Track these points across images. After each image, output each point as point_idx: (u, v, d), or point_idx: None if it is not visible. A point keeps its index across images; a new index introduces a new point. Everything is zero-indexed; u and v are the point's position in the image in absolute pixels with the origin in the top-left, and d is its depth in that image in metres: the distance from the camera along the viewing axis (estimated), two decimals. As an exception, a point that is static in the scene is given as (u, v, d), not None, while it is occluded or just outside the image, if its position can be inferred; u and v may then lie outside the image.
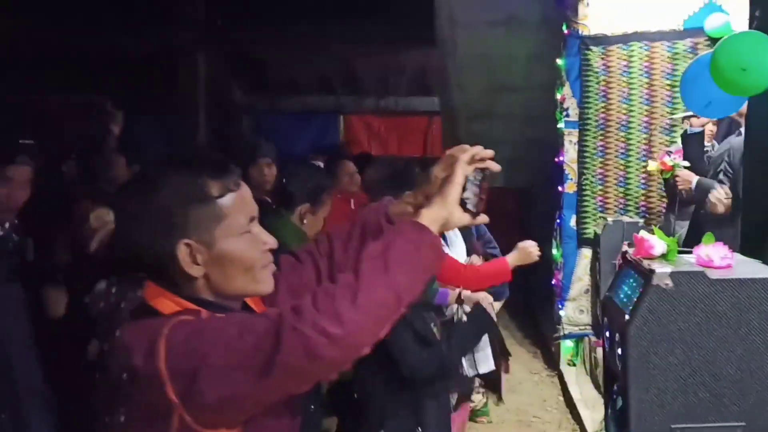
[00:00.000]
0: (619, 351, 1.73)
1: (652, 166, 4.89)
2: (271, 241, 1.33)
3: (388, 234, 1.33)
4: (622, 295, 1.79)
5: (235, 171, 1.31)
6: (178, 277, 1.26)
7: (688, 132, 4.68)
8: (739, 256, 1.73)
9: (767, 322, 1.62)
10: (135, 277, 1.28)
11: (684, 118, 4.88)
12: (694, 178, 4.30)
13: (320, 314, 1.16)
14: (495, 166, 1.46)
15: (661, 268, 1.65)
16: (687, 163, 4.47)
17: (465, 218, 1.40)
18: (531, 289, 7.01)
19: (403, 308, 1.26)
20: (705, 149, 4.63)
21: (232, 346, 1.16)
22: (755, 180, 2.13)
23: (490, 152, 1.44)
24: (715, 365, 1.62)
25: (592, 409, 5.12)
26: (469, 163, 1.39)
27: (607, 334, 1.89)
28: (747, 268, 1.72)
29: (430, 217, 1.35)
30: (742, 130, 4.06)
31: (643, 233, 1.79)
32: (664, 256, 1.76)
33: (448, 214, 1.36)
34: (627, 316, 1.67)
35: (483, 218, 1.43)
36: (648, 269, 1.66)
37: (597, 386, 5.41)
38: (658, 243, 1.75)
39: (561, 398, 5.63)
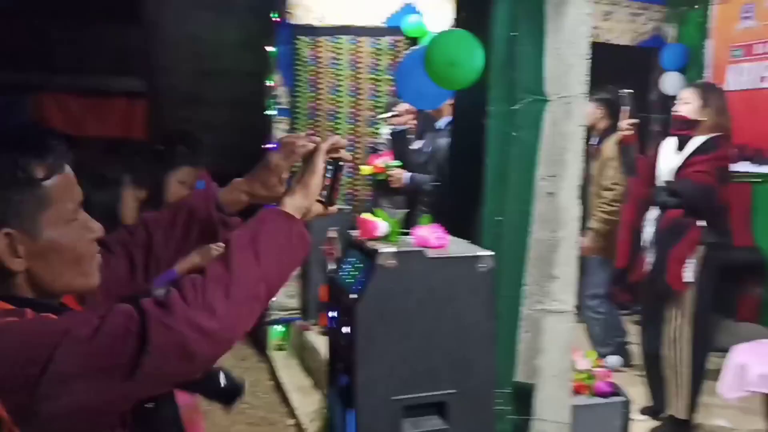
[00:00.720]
0: (345, 329, 1.78)
1: (366, 169, 5.19)
2: (99, 229, 1.18)
3: (254, 223, 1.25)
4: (346, 276, 1.84)
5: (62, 150, 1.12)
6: None
7: (395, 131, 5.04)
8: (451, 237, 1.87)
9: (474, 295, 1.77)
10: None
11: (388, 118, 5.22)
12: (406, 175, 4.71)
13: (192, 308, 1.06)
14: (347, 156, 1.48)
15: (385, 248, 1.72)
16: (398, 162, 4.84)
17: (320, 208, 1.40)
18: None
19: (272, 299, 1.22)
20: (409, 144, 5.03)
21: (82, 350, 1.00)
22: (460, 166, 2.33)
23: (345, 142, 1.46)
24: (431, 338, 1.74)
25: (302, 392, 5.24)
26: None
27: (333, 313, 1.94)
28: (458, 247, 1.87)
29: (294, 206, 1.32)
30: (437, 124, 4.49)
31: (366, 215, 1.86)
32: (386, 237, 1.84)
33: (310, 204, 1.35)
34: (353, 295, 1.72)
35: (335, 209, 1.44)
36: (372, 249, 1.73)
37: (306, 369, 5.56)
38: (381, 224, 1.83)
39: (271, 383, 5.69)
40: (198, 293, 1.09)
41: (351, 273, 1.84)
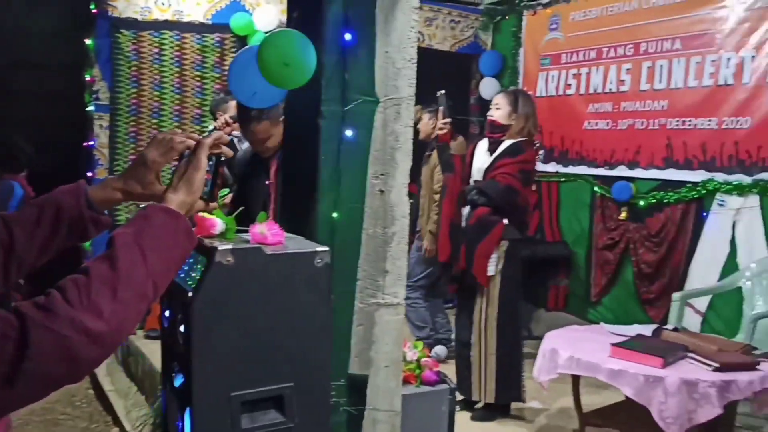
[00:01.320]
0: (182, 328, 1.76)
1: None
2: None
3: (138, 220, 1.22)
4: (182, 275, 1.82)
5: None
6: None
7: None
8: (287, 234, 1.90)
9: (311, 289, 1.81)
10: None
11: (211, 130, 5.16)
12: None
13: (77, 310, 1.01)
14: (228, 152, 1.50)
15: (223, 246, 1.72)
16: (226, 191, 4.83)
17: (201, 204, 1.40)
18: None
19: (157, 298, 1.18)
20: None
21: None
22: (294, 165, 2.36)
23: (227, 137, 1.47)
24: (269, 333, 1.75)
25: (125, 397, 5.06)
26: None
27: (167, 314, 1.90)
28: (294, 243, 1.90)
29: (177, 202, 1.30)
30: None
31: (203, 213, 1.85)
32: (223, 235, 1.84)
33: (194, 200, 1.34)
34: (190, 294, 1.70)
35: (215, 204, 1.48)
36: (210, 247, 1.72)
37: (130, 376, 5.36)
38: (218, 222, 1.83)
39: (91, 392, 5.43)
40: (82, 294, 1.04)
41: (187, 272, 1.82)
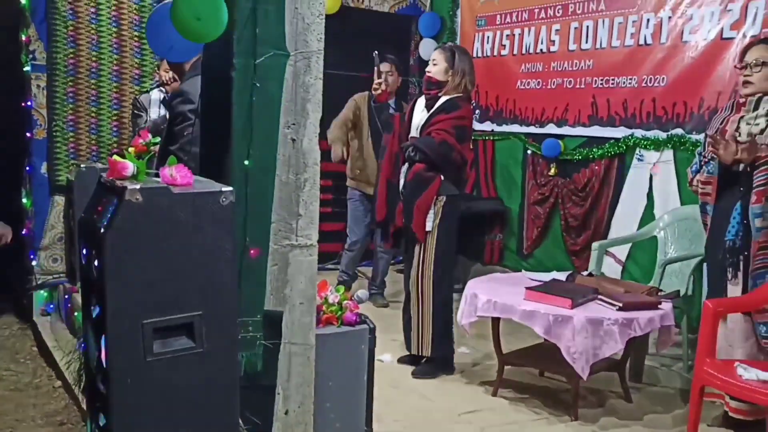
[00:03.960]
0: (96, 263, 1.91)
1: (131, 153, 5.19)
2: None
3: None
4: (95, 215, 1.96)
5: None
6: None
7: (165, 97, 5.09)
8: (197, 177, 2.06)
9: (217, 226, 1.98)
10: None
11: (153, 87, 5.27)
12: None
13: None
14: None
15: (132, 186, 1.87)
16: (157, 139, 4.90)
17: None
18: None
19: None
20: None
21: None
22: (210, 116, 2.50)
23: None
24: (179, 265, 1.92)
25: (67, 351, 5.16)
26: None
27: (84, 251, 2.05)
28: (202, 185, 2.05)
29: None
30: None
31: (116, 157, 1.99)
32: (135, 177, 1.98)
33: None
34: (102, 230, 1.85)
35: None
36: (120, 186, 1.87)
37: (73, 331, 5.46)
38: (129, 165, 1.97)
39: (35, 349, 5.52)
40: None
41: (100, 212, 1.96)
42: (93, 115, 5.77)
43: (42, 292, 5.88)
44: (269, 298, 2.50)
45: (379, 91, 4.78)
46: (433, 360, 4.51)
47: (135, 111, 5.55)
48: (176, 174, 1.98)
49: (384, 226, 4.95)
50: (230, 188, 2.01)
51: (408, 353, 4.60)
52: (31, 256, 5.77)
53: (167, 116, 4.70)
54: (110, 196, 1.95)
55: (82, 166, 5.72)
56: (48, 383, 4.89)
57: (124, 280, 1.87)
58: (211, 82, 2.53)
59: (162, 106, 5.25)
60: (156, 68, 5.77)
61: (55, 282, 5.84)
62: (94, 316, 2.00)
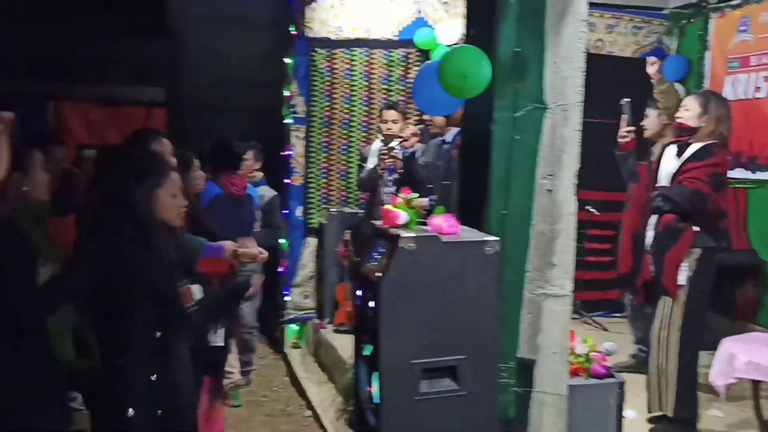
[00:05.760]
0: (371, 304, 2.06)
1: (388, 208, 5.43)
2: None
3: None
4: (372, 260, 2.13)
5: None
6: None
7: (405, 154, 5.30)
8: (462, 226, 2.16)
9: (482, 274, 2.06)
10: None
11: (398, 144, 5.52)
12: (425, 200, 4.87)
13: None
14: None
15: (406, 234, 2.01)
16: (416, 195, 5.07)
17: None
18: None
19: None
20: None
21: None
22: (470, 166, 2.62)
23: None
24: (444, 311, 2.02)
25: (318, 384, 5.53)
26: None
27: (359, 293, 2.22)
28: (468, 234, 2.15)
29: None
30: (445, 137, 4.77)
31: (388, 206, 2.15)
32: (406, 225, 2.13)
33: None
34: (378, 274, 2.00)
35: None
36: (395, 234, 2.02)
37: (321, 365, 5.84)
38: (402, 214, 2.12)
39: (287, 378, 5.96)
40: None
41: (375, 258, 2.13)
42: (343, 163, 6.21)
43: (293, 326, 6.36)
44: (522, 345, 2.53)
45: (627, 140, 4.65)
46: (678, 422, 4.23)
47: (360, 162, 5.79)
48: (444, 223, 2.10)
49: (629, 280, 4.76)
50: (496, 238, 2.09)
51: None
52: (285, 292, 6.25)
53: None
54: (383, 243, 2.11)
55: (332, 210, 6.18)
56: (299, 411, 5.25)
57: (396, 322, 2.00)
58: (471, 135, 2.65)
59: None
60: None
61: (305, 317, 6.30)
62: (366, 353, 2.16)
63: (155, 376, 2.14)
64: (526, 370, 2.52)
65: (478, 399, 2.08)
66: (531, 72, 2.48)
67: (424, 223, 2.16)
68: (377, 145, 5.43)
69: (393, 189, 5.19)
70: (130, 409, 2.10)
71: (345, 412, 3.83)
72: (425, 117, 5.17)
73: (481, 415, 2.10)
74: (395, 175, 5.22)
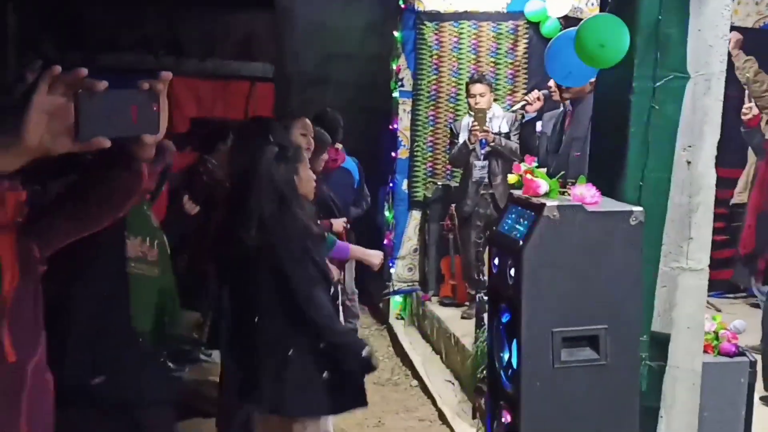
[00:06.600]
0: (511, 272, 2.08)
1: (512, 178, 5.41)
2: None
3: None
4: (508, 228, 2.14)
5: None
6: None
7: (525, 119, 5.24)
8: (603, 196, 2.14)
9: (626, 245, 2.04)
10: None
11: (521, 107, 5.43)
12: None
13: None
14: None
15: (550, 203, 2.01)
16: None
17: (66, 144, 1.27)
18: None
19: None
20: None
21: None
22: (605, 137, 2.58)
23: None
24: (588, 280, 2.02)
25: (422, 355, 5.60)
26: None
27: (496, 261, 2.24)
28: (609, 204, 2.13)
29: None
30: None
31: (529, 175, 2.15)
32: (547, 194, 2.12)
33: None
34: (521, 242, 2.01)
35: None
36: (539, 203, 2.02)
37: (425, 337, 5.91)
38: (543, 183, 2.12)
39: (391, 349, 6.06)
40: None
41: (514, 225, 2.13)
42: (449, 137, 6.20)
43: (397, 298, 6.45)
44: (656, 319, 2.49)
45: (749, 116, 4.49)
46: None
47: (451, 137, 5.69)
48: (586, 193, 2.09)
49: (750, 260, 4.62)
50: (640, 208, 2.07)
51: None
52: (390, 264, 6.33)
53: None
54: (524, 211, 2.11)
55: (438, 183, 6.20)
56: (405, 381, 5.34)
57: (537, 291, 2.01)
58: (606, 105, 2.61)
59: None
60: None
61: (410, 290, 6.37)
62: (503, 320, 2.18)
63: None
64: (660, 344, 2.48)
65: (619, 370, 2.07)
66: (673, 40, 2.41)
67: (564, 192, 2.15)
68: (467, 120, 5.42)
69: (485, 163, 5.18)
70: None
71: (475, 379, 3.87)
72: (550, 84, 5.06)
73: (621, 387, 2.09)
74: (487, 148, 5.19)
